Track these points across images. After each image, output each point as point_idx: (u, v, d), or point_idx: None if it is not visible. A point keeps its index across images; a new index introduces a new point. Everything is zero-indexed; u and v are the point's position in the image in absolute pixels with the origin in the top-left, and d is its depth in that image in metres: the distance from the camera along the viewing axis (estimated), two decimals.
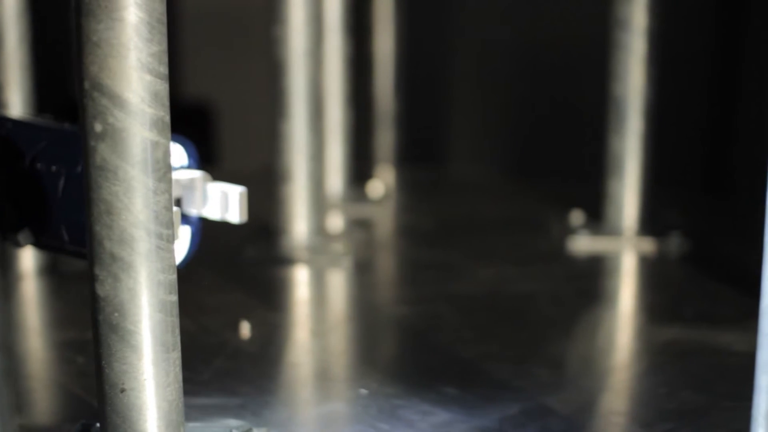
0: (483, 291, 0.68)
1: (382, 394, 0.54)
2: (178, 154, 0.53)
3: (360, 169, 0.94)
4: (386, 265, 0.75)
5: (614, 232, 0.75)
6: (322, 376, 0.57)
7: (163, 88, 0.43)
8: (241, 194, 0.52)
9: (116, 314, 0.44)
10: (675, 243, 0.74)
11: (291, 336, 0.62)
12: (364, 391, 0.54)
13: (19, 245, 0.56)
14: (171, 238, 0.44)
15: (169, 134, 0.44)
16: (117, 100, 0.42)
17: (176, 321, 0.45)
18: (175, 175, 0.52)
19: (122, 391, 0.45)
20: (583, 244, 0.74)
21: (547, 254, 0.74)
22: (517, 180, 0.95)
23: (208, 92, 1.13)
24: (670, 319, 0.63)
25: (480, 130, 1.06)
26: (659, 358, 0.59)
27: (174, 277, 0.44)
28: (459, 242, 0.78)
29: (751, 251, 0.46)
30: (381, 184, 0.87)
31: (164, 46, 0.43)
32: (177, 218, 0.49)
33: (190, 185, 0.53)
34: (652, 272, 0.73)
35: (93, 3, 0.42)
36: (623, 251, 0.74)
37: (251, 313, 0.63)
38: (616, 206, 0.75)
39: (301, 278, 0.71)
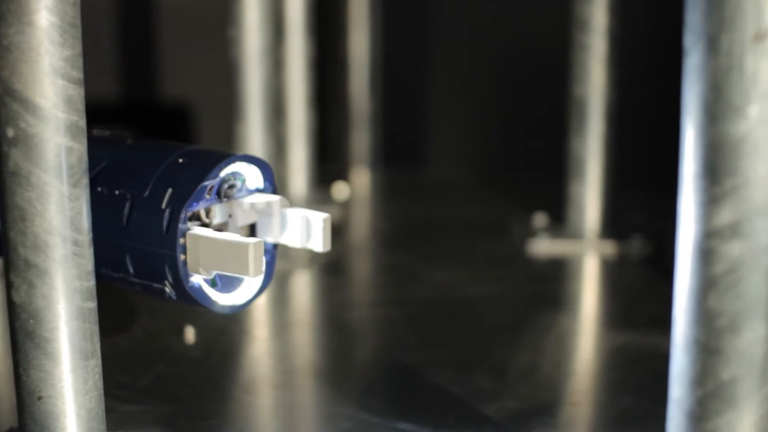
0: (436, 295, 0.67)
1: (319, 401, 0.54)
2: (254, 176, 0.49)
3: (331, 170, 0.93)
4: (343, 268, 0.74)
5: (576, 234, 0.74)
6: (261, 382, 0.56)
7: (77, 92, 0.42)
8: (324, 221, 0.49)
9: (32, 321, 0.43)
10: (637, 246, 0.73)
11: (236, 341, 0.61)
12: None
13: None
14: (87, 244, 0.44)
15: (84, 139, 0.44)
16: (28, 105, 0.42)
17: (95, 328, 0.45)
18: (251, 200, 0.49)
19: (39, 398, 0.44)
20: (543, 247, 0.73)
21: (506, 257, 0.73)
22: (491, 181, 0.95)
23: (186, 93, 1.13)
24: (623, 324, 0.63)
25: (457, 131, 1.05)
26: (606, 364, 0.58)
27: (92, 283, 0.44)
28: (420, 245, 0.77)
29: None
30: (346, 186, 0.87)
31: (78, 50, 0.42)
32: (260, 250, 0.46)
33: (266, 210, 0.49)
34: (611, 276, 0.72)
35: (3, 7, 0.41)
36: (584, 254, 0.73)
37: (199, 318, 0.63)
38: (578, 209, 0.74)
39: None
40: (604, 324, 0.64)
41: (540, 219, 0.76)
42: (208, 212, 0.48)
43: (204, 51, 1.05)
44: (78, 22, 0.42)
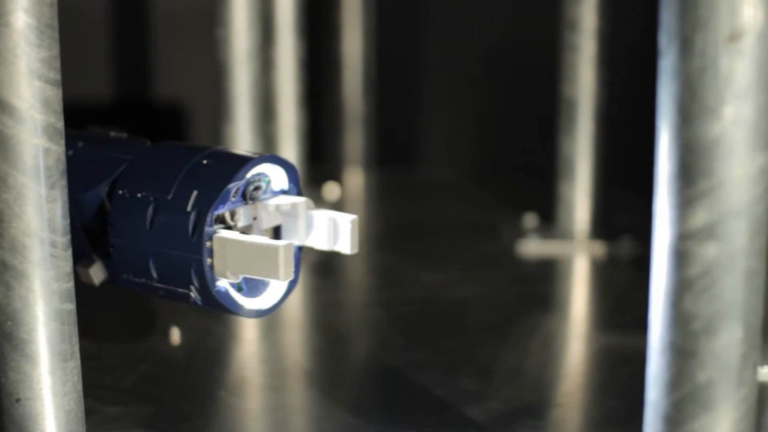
0: (424, 296, 0.67)
1: (303, 403, 0.54)
2: (279, 177, 0.48)
3: (324, 171, 0.93)
4: (332, 269, 0.73)
5: (565, 235, 0.74)
6: (245, 384, 0.56)
7: (54, 94, 0.42)
8: (353, 222, 0.47)
9: (9, 323, 0.43)
10: (626, 246, 0.72)
11: (222, 343, 0.61)
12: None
13: (90, 282, 0.50)
14: (65, 246, 0.43)
15: (62, 141, 0.43)
16: (5, 107, 0.41)
17: (73, 330, 0.44)
18: (276, 202, 0.47)
19: (17, 400, 0.44)
20: (532, 247, 0.73)
21: (495, 258, 0.73)
22: (483, 182, 0.94)
23: (180, 93, 1.13)
24: (610, 325, 0.62)
25: (451, 131, 1.05)
26: (593, 365, 0.58)
27: (70, 285, 0.44)
28: (410, 245, 0.77)
29: None
30: (337, 186, 0.86)
31: (55, 51, 0.42)
32: (290, 253, 0.44)
33: (291, 212, 0.48)
34: (600, 276, 0.72)
35: None
36: (574, 255, 0.73)
37: (184, 319, 0.63)
38: (568, 209, 0.74)
39: None
40: (592, 325, 0.64)
41: (530, 220, 0.76)
42: (232, 215, 0.47)
43: (198, 51, 1.05)
44: (55, 24, 0.42)
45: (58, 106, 0.42)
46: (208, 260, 0.45)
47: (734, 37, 0.32)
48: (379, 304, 0.65)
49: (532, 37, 0.97)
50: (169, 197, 0.45)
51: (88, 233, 0.49)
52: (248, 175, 0.47)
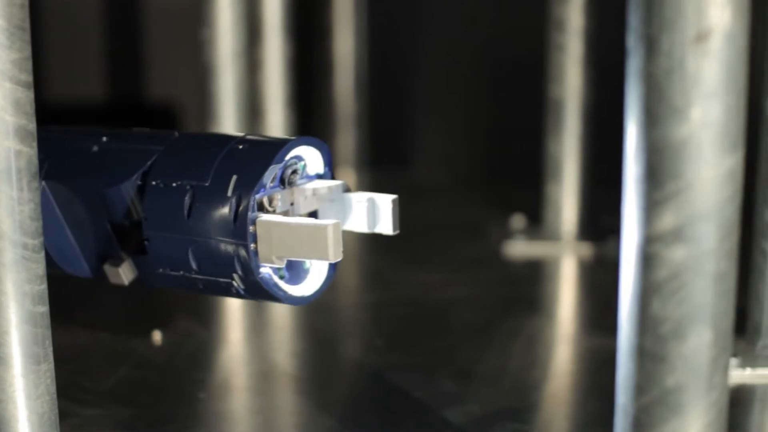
0: (409, 297, 0.67)
1: (281, 405, 0.54)
2: (314, 161, 0.47)
3: None
4: None
5: (552, 236, 0.73)
6: (224, 386, 0.55)
7: (26, 95, 0.42)
8: (393, 202, 0.46)
9: None
10: (614, 247, 0.72)
11: (203, 344, 0.60)
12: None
13: (120, 282, 0.48)
14: (37, 248, 0.43)
15: (34, 143, 0.43)
16: None
17: (46, 332, 0.44)
18: (313, 185, 0.46)
19: None
20: (520, 248, 0.73)
21: (482, 259, 0.73)
22: (473, 183, 0.94)
23: (172, 93, 1.13)
24: (597, 326, 0.62)
25: (442, 132, 1.04)
26: (577, 367, 0.58)
27: (43, 287, 0.43)
28: (397, 246, 0.76)
29: None
30: None
31: (27, 53, 0.42)
32: (338, 232, 0.43)
33: (328, 196, 0.46)
34: (587, 278, 0.71)
35: None
36: (561, 256, 0.73)
37: (166, 321, 0.62)
38: (555, 210, 0.73)
39: None
40: (578, 326, 0.63)
41: (518, 220, 0.76)
42: (270, 200, 0.45)
43: (189, 51, 1.05)
44: (26, 25, 0.42)
45: (30, 108, 0.42)
46: (252, 246, 0.44)
47: (701, 37, 0.31)
48: (363, 306, 0.65)
49: (523, 38, 0.97)
50: (206, 184, 0.44)
51: (116, 231, 0.48)
52: (286, 158, 0.45)
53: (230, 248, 0.44)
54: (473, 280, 0.69)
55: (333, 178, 0.47)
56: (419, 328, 0.62)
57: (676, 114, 0.32)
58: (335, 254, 0.43)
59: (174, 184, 0.45)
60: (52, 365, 0.44)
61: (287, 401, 0.54)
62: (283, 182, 0.45)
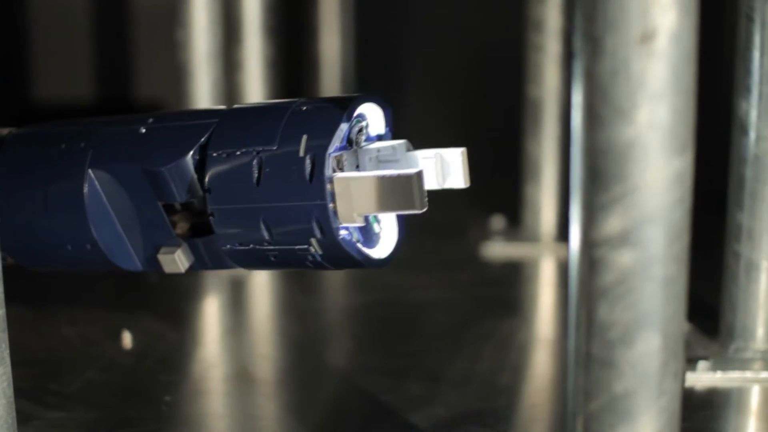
0: (383, 299, 0.66)
1: (247, 408, 0.53)
2: (377, 120, 0.45)
3: None
4: (286, 274, 0.72)
5: (531, 237, 0.73)
6: (191, 389, 0.54)
7: None
8: (462, 154, 0.44)
9: None
10: None
11: (173, 347, 0.60)
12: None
13: (176, 270, 0.46)
14: None
15: None
16: None
17: (2, 336, 0.43)
18: (377, 146, 0.44)
19: None
20: (498, 249, 0.72)
21: (460, 260, 0.72)
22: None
23: (162, 93, 1.12)
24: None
25: (427, 131, 1.04)
26: (546, 370, 0.57)
27: None
28: None
29: None
30: None
31: None
32: (422, 181, 0.41)
33: (393, 156, 0.44)
34: (565, 279, 0.71)
35: None
36: (540, 257, 0.72)
37: (137, 323, 0.62)
38: (534, 211, 0.73)
39: (201, 287, 0.69)
40: (552, 329, 0.63)
41: (497, 221, 0.75)
42: (338, 162, 0.43)
43: (168, 52, 1.05)
44: None
45: None
46: (331, 205, 0.42)
47: (646, 38, 0.31)
48: (338, 308, 0.65)
49: (500, 37, 0.97)
50: (275, 147, 0.42)
51: (169, 214, 0.46)
52: (354, 115, 0.43)
53: (307, 211, 0.42)
54: (449, 281, 0.68)
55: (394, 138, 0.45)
56: (391, 330, 0.62)
57: (621, 115, 0.31)
58: (421, 203, 0.41)
59: (238, 153, 0.43)
60: (8, 368, 0.44)
61: (254, 405, 0.53)
62: (350, 142, 0.44)
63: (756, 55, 0.54)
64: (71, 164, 0.46)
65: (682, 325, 0.34)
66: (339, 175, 0.42)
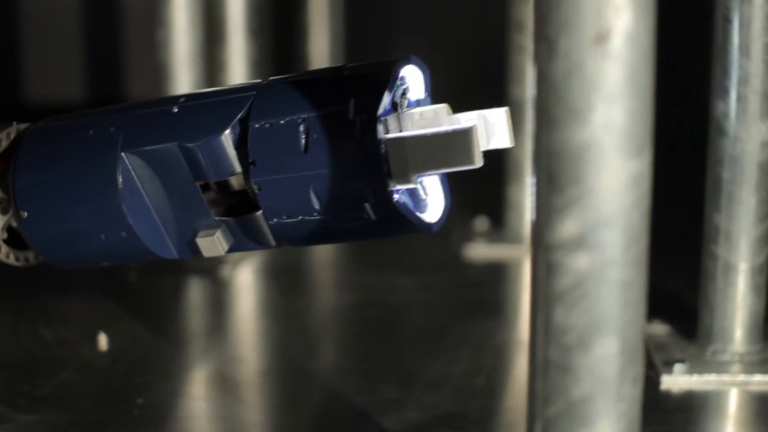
0: (363, 300, 0.66)
1: (219, 410, 0.53)
2: (417, 84, 0.43)
3: None
4: (273, 272, 0.72)
5: (514, 239, 0.72)
6: (163, 391, 0.54)
7: None
8: (506, 113, 0.43)
9: None
10: None
11: (148, 349, 0.59)
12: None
13: (216, 254, 0.44)
14: None
15: None
16: None
17: None
18: (419, 110, 0.43)
19: None
20: (481, 251, 0.72)
21: (442, 262, 0.72)
22: (458, 181, 0.93)
23: (152, 93, 1.12)
24: None
25: None
26: (521, 372, 0.57)
27: None
28: (357, 248, 0.76)
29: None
30: None
31: None
32: (476, 135, 0.40)
33: (435, 121, 0.42)
34: None
35: None
36: (523, 259, 0.72)
37: (113, 325, 0.61)
38: (517, 213, 0.72)
39: (181, 289, 0.68)
40: (528, 332, 0.63)
41: (481, 222, 0.75)
42: (385, 125, 0.42)
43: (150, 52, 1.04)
44: None
45: None
46: (384, 167, 0.40)
47: (600, 38, 0.30)
48: (317, 309, 0.64)
49: (482, 38, 0.96)
50: (321, 113, 0.41)
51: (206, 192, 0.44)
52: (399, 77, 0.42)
53: (359, 174, 0.41)
54: (431, 282, 0.68)
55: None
56: (369, 332, 0.62)
57: (576, 117, 0.31)
58: (479, 158, 0.41)
59: (282, 122, 0.41)
60: None
61: (225, 407, 0.53)
62: (394, 106, 0.42)
63: (735, 56, 0.53)
64: (101, 150, 0.44)
65: (642, 330, 0.33)
66: (391, 135, 0.41)
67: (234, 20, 0.78)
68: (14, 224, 0.48)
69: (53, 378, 0.55)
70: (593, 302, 0.32)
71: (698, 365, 0.54)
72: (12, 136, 0.48)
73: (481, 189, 0.83)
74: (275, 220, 0.42)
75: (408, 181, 0.41)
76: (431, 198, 0.44)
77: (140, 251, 0.45)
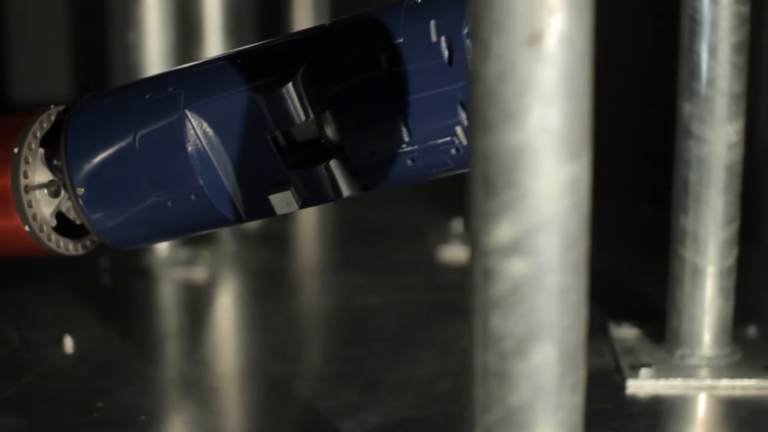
0: (331, 303, 0.65)
1: (179, 415, 0.52)
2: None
3: None
4: (242, 276, 0.71)
5: None
6: (125, 395, 0.53)
7: None
8: None
9: None
10: None
11: (113, 352, 0.59)
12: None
13: (288, 209, 0.42)
14: None
15: None
16: None
17: None
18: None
19: None
20: (456, 253, 0.71)
21: (416, 264, 0.71)
22: (420, 185, 0.92)
23: None
24: None
25: None
26: None
27: None
28: (333, 249, 0.75)
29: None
30: None
31: None
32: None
33: None
34: None
35: None
36: None
37: (80, 327, 0.61)
38: None
39: (152, 291, 0.68)
40: None
41: (458, 225, 0.74)
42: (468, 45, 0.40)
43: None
44: None
45: None
46: None
47: (534, 39, 0.30)
48: (284, 311, 0.63)
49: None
50: (401, 40, 0.39)
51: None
52: None
53: (450, 96, 0.39)
54: (402, 285, 0.67)
55: None
56: (334, 335, 0.61)
57: (509, 120, 0.30)
58: None
59: (360, 55, 0.39)
60: None
61: (185, 411, 0.52)
62: None
63: (702, 57, 0.53)
64: (163, 110, 0.42)
65: (581, 337, 0.33)
66: None
67: (211, 20, 0.78)
68: (63, 209, 0.46)
69: (15, 381, 0.54)
70: (530, 308, 0.31)
71: (665, 369, 0.54)
72: (53, 118, 0.46)
73: (458, 191, 0.83)
74: (360, 158, 0.39)
75: None
76: None
77: (209, 216, 0.43)
